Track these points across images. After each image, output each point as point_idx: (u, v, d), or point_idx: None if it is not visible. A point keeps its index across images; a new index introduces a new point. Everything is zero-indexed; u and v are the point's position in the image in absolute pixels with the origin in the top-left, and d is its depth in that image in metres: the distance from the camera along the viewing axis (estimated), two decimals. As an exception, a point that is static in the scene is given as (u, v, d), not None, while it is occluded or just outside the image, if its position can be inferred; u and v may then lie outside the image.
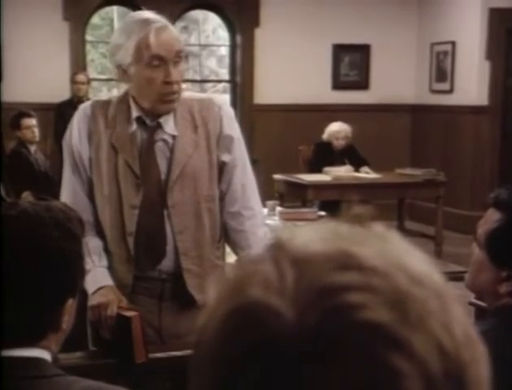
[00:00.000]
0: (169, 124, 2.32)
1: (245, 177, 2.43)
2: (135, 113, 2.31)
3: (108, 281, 2.27)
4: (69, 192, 2.35)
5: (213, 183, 2.37)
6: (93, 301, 2.20)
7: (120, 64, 2.27)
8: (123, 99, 2.35)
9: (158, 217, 2.31)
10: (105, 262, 2.32)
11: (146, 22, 2.26)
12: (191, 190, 2.32)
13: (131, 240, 2.31)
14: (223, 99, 2.52)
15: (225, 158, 2.38)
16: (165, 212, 2.31)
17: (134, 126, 2.31)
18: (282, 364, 0.49)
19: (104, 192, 2.31)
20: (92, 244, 2.29)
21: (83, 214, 2.25)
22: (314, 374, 0.49)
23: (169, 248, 2.32)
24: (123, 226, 2.31)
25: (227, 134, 2.37)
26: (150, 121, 2.31)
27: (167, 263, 2.33)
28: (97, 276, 2.26)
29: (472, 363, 0.53)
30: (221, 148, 2.37)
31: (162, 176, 2.31)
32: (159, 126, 2.31)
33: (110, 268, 2.33)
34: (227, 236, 2.43)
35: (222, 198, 2.40)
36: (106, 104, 2.37)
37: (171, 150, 2.32)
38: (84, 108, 2.38)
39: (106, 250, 2.35)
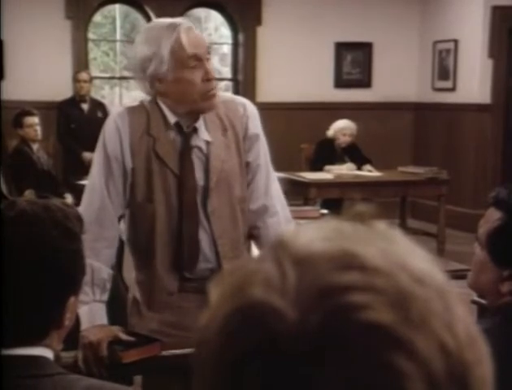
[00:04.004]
0: (202, 130, 2.33)
1: (268, 176, 2.45)
2: (172, 119, 2.30)
3: (103, 320, 2.26)
4: (95, 205, 2.29)
5: (244, 184, 2.40)
6: (83, 339, 2.19)
7: (156, 74, 2.24)
8: (155, 106, 2.32)
9: (196, 223, 2.32)
10: (105, 297, 2.30)
11: (173, 25, 2.25)
12: (227, 194, 2.35)
13: (177, 247, 2.32)
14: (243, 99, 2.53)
15: (249, 157, 2.40)
16: (204, 218, 2.33)
17: (173, 133, 2.30)
18: (283, 364, 0.49)
19: (155, 201, 2.29)
20: (99, 273, 2.26)
21: (108, 229, 2.28)
22: (315, 374, 0.49)
23: (210, 252, 2.35)
24: (172, 234, 2.32)
25: (252, 134, 2.40)
26: (186, 127, 2.31)
27: (209, 266, 2.35)
28: (93, 313, 2.24)
29: (475, 363, 0.53)
30: (246, 148, 2.39)
31: (200, 183, 2.32)
32: (195, 131, 2.31)
33: (155, 277, 2.34)
34: (249, 232, 2.45)
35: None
36: (141, 111, 2.32)
37: (206, 157, 2.33)
38: (120, 116, 2.31)
39: (147, 261, 2.35)
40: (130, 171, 2.29)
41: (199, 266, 2.36)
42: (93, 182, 2.33)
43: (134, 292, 2.42)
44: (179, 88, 2.25)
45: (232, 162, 2.36)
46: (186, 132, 2.31)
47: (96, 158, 2.34)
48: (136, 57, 2.27)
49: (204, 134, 2.33)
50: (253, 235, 2.46)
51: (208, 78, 2.25)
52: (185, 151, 2.31)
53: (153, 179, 2.29)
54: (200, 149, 2.33)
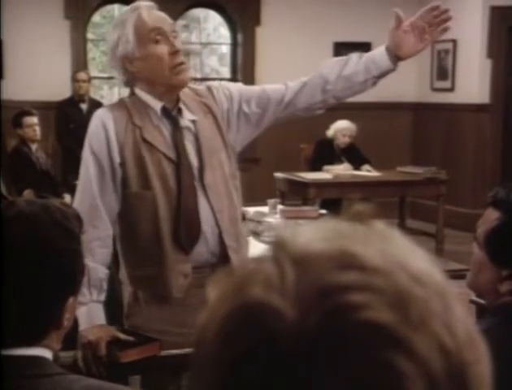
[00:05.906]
0: (185, 111, 2.38)
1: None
2: (157, 105, 2.34)
3: (101, 320, 2.26)
4: (86, 206, 2.27)
5: (232, 162, 2.45)
6: (82, 338, 2.19)
7: (125, 55, 2.29)
8: (134, 97, 2.37)
9: (195, 197, 2.35)
10: (102, 297, 2.30)
11: (134, 6, 2.33)
12: (219, 170, 2.39)
13: (179, 224, 2.32)
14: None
15: (241, 104, 2.46)
16: (203, 194, 2.35)
17: (157, 118, 2.34)
18: (283, 364, 0.49)
19: (153, 188, 2.30)
20: (95, 274, 2.27)
21: (100, 229, 2.29)
22: (314, 374, 0.49)
23: (212, 229, 2.36)
24: (174, 215, 2.32)
25: (223, 97, 2.45)
26: (171, 109, 2.36)
27: (211, 245, 2.37)
28: (92, 313, 2.25)
29: (474, 362, 0.53)
30: (226, 108, 2.45)
31: (194, 161, 2.36)
32: (180, 112, 2.36)
33: (167, 260, 2.32)
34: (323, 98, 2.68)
35: (271, 104, 2.56)
36: (120, 106, 2.37)
37: (195, 136, 2.38)
38: (103, 113, 2.35)
39: (156, 248, 2.34)
40: (119, 165, 2.31)
41: (200, 249, 2.35)
42: (82, 183, 2.35)
43: (138, 290, 2.40)
44: (148, 65, 2.30)
45: (217, 140, 2.41)
46: (173, 115, 2.36)
47: (83, 158, 2.35)
48: (107, 46, 2.36)
49: (188, 114, 2.38)
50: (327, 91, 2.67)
51: (174, 51, 2.29)
52: (176, 133, 2.35)
53: (146, 167, 2.31)
54: (189, 129, 2.38)
